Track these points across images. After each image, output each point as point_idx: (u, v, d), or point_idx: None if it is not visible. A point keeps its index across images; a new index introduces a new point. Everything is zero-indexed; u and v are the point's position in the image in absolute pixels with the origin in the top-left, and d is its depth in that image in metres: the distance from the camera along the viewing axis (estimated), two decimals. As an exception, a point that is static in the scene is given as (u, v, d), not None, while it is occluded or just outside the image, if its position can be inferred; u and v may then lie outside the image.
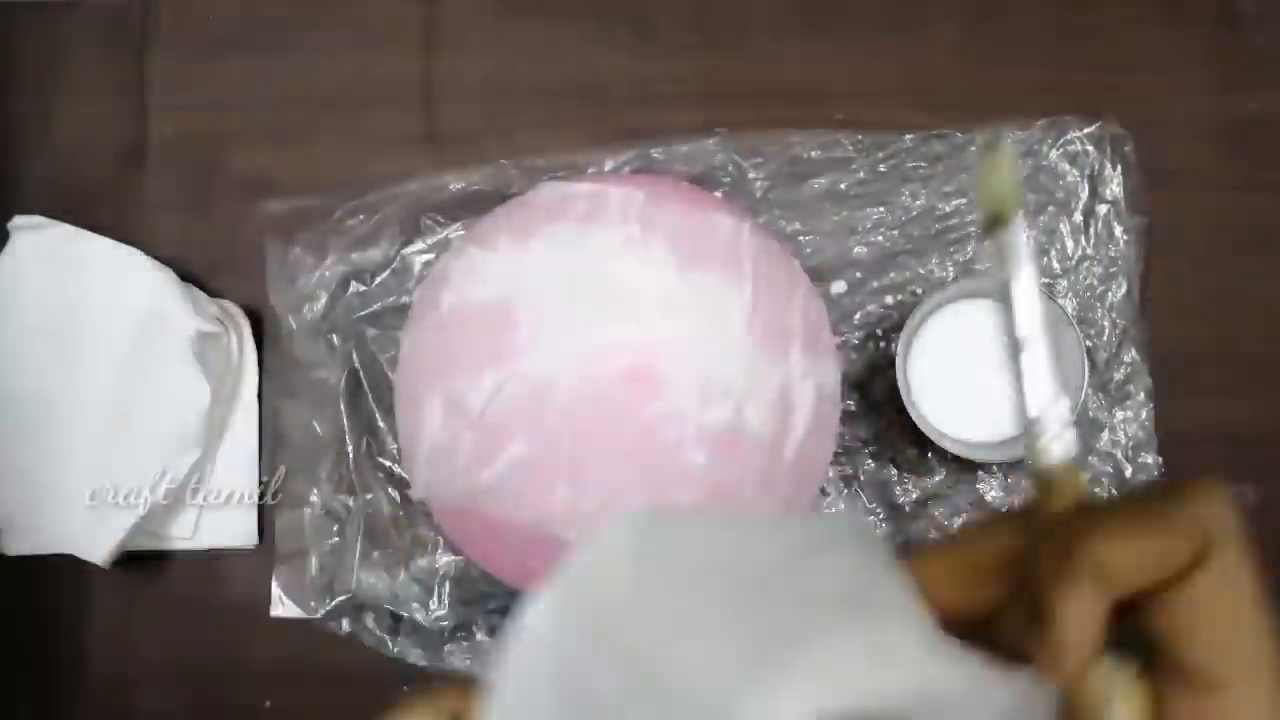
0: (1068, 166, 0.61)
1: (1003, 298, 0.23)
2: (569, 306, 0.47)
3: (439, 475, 0.49)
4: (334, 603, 0.58)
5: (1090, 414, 0.59)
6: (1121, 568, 0.19)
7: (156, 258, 0.60)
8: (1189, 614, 0.19)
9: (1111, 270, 0.60)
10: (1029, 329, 0.23)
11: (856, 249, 0.60)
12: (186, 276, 0.60)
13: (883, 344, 0.60)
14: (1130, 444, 0.59)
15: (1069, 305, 0.59)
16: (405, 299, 0.59)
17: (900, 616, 0.20)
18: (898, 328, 0.57)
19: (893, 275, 0.60)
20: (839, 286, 0.60)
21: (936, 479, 0.59)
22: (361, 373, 0.59)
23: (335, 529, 0.59)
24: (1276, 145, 0.62)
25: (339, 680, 0.59)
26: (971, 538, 0.22)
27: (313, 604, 0.58)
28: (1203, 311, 0.61)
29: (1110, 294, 0.60)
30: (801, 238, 0.60)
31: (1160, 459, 0.59)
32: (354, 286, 0.60)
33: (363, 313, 0.59)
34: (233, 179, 0.63)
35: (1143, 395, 0.59)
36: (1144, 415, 0.59)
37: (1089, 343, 0.59)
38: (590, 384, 0.46)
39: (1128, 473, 0.58)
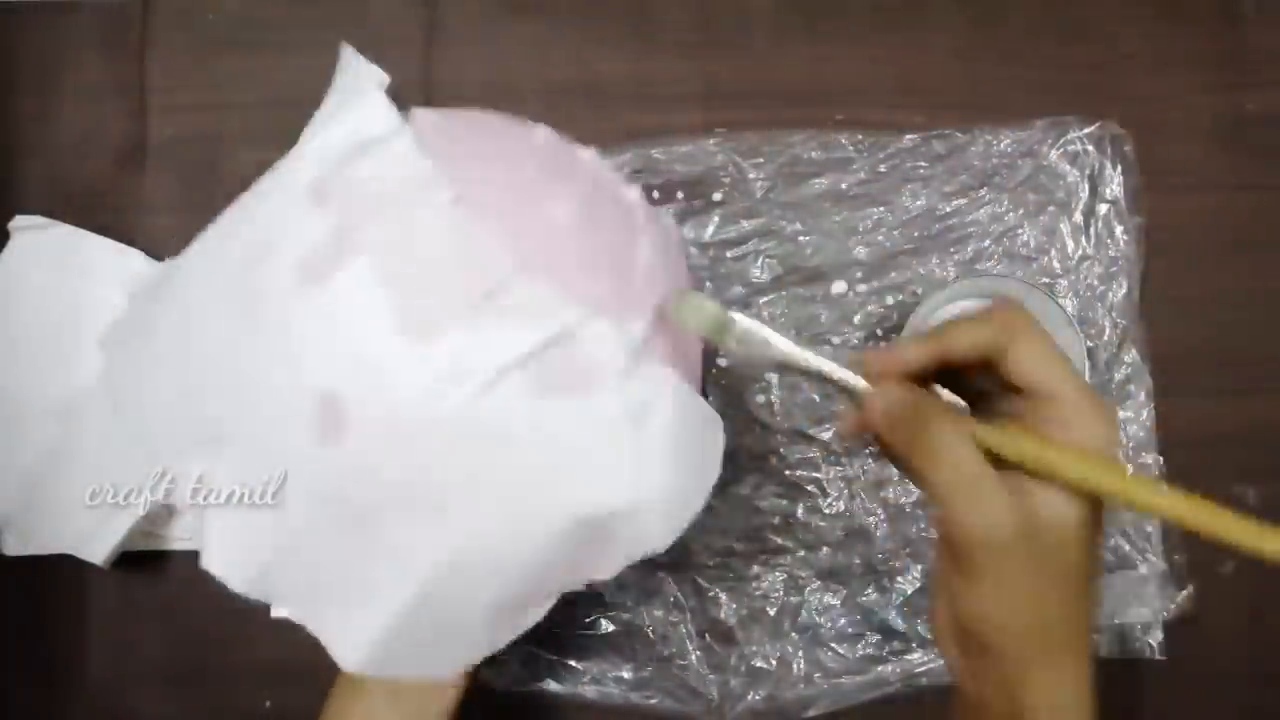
0: (1068, 166, 0.61)
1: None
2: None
3: None
4: (334, 603, 0.58)
5: (1090, 414, 0.59)
6: (953, 338, 0.34)
7: (156, 258, 0.60)
8: (1015, 363, 0.33)
9: (1112, 270, 0.60)
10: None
11: (857, 249, 0.60)
12: (186, 276, 0.60)
13: (883, 344, 0.60)
14: (1131, 444, 0.59)
15: (1069, 305, 0.59)
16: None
17: None
18: (898, 328, 0.57)
19: (893, 275, 0.60)
20: (839, 286, 0.60)
21: (937, 479, 0.59)
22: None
23: (335, 529, 0.59)
24: (1276, 145, 0.62)
25: (339, 680, 0.59)
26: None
27: (313, 604, 0.58)
28: (1203, 311, 0.61)
29: (1111, 294, 0.60)
30: (802, 238, 0.60)
31: (1161, 459, 0.59)
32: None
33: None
34: (233, 179, 0.62)
35: (1143, 395, 0.59)
36: (1145, 415, 0.59)
37: (1090, 343, 0.59)
38: None
39: (1129, 472, 0.58)
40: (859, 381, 0.35)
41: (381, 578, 0.34)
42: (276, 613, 0.58)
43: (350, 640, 0.35)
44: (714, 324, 0.36)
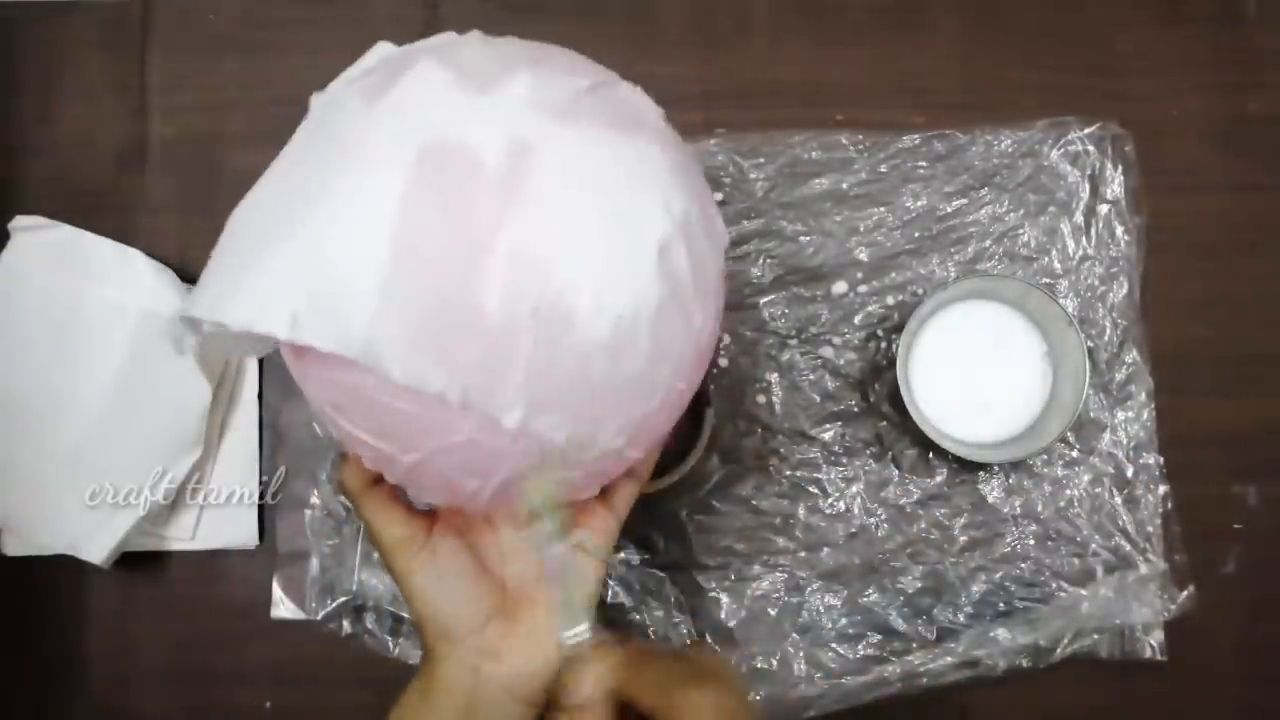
0: (1069, 167, 0.61)
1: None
2: None
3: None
4: (334, 604, 0.58)
5: (1092, 414, 0.59)
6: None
7: (156, 258, 0.60)
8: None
9: (1113, 270, 0.60)
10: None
11: (858, 249, 0.60)
12: (186, 277, 0.60)
13: (883, 344, 0.60)
14: (1132, 444, 0.59)
15: (1070, 305, 0.59)
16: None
17: None
18: (898, 328, 0.57)
19: (894, 275, 0.60)
20: (840, 286, 0.60)
21: (937, 479, 0.59)
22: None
23: (336, 529, 0.59)
24: (1276, 145, 0.62)
25: (339, 680, 0.59)
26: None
27: (313, 605, 0.58)
28: (1203, 311, 0.61)
29: (1111, 294, 0.60)
30: (802, 238, 0.60)
31: (1161, 459, 0.59)
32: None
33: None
34: (233, 179, 0.62)
35: (1144, 395, 0.59)
36: (1145, 415, 0.59)
37: (1090, 343, 0.59)
38: None
39: (1130, 472, 0.58)
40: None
41: None
42: (276, 613, 0.59)
43: None
44: (549, 507, 0.38)
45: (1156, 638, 0.57)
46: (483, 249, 0.32)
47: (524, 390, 0.33)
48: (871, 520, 0.59)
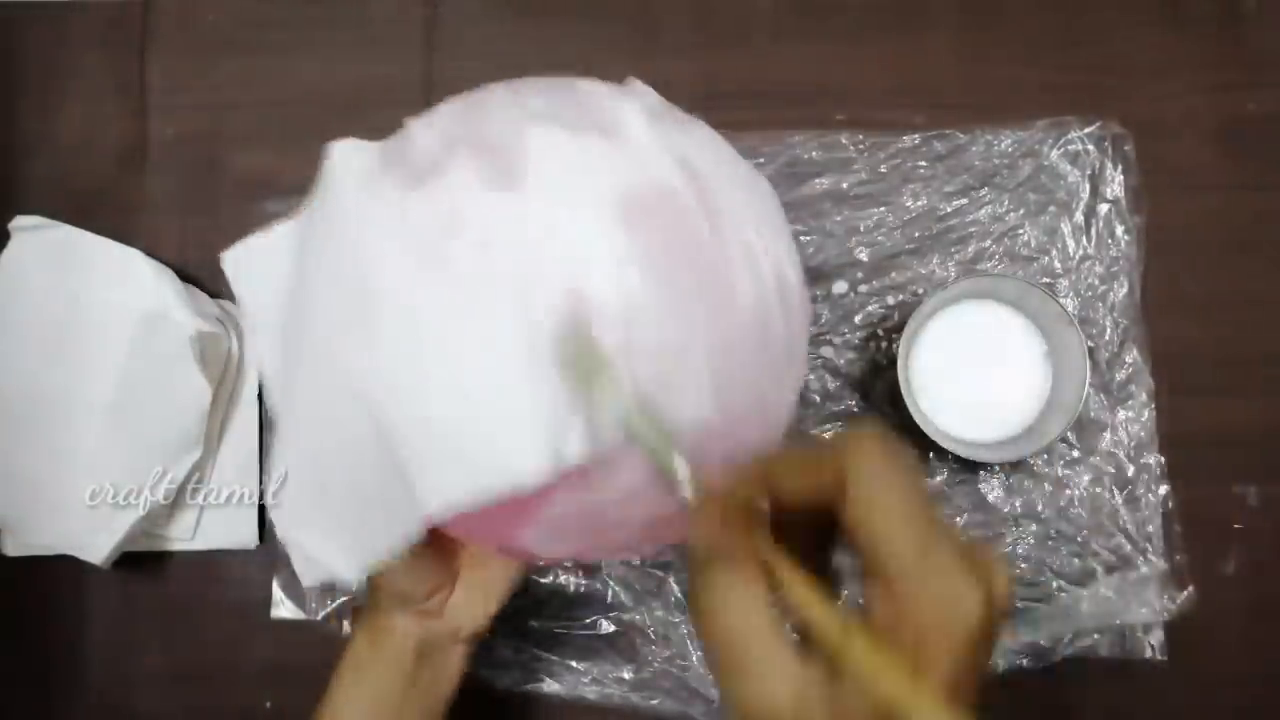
0: (1069, 166, 0.61)
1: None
2: None
3: None
4: (334, 604, 0.58)
5: (1092, 414, 0.59)
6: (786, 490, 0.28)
7: (157, 258, 0.60)
8: (853, 517, 0.26)
9: (1113, 270, 0.60)
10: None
11: (858, 249, 0.60)
12: (186, 277, 0.60)
13: (884, 344, 0.60)
14: (1132, 444, 0.59)
15: (1070, 305, 0.59)
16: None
17: None
18: (899, 328, 0.57)
19: (894, 275, 0.60)
20: (840, 286, 0.60)
21: (937, 479, 0.59)
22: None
23: (335, 529, 0.59)
24: (1276, 145, 0.62)
25: (339, 681, 0.59)
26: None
27: (313, 605, 0.58)
28: (1203, 311, 0.61)
29: (1112, 294, 0.60)
30: (803, 238, 0.60)
31: (1161, 459, 0.59)
32: (354, 286, 0.60)
33: (363, 313, 0.59)
34: (233, 179, 0.63)
35: (1144, 395, 0.59)
36: (1145, 415, 0.59)
37: (1090, 343, 0.59)
38: None
39: (1130, 472, 0.58)
40: (686, 491, 0.31)
41: None
42: (276, 613, 0.59)
43: None
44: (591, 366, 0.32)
45: (1156, 638, 0.57)
46: (731, 276, 0.35)
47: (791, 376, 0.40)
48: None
